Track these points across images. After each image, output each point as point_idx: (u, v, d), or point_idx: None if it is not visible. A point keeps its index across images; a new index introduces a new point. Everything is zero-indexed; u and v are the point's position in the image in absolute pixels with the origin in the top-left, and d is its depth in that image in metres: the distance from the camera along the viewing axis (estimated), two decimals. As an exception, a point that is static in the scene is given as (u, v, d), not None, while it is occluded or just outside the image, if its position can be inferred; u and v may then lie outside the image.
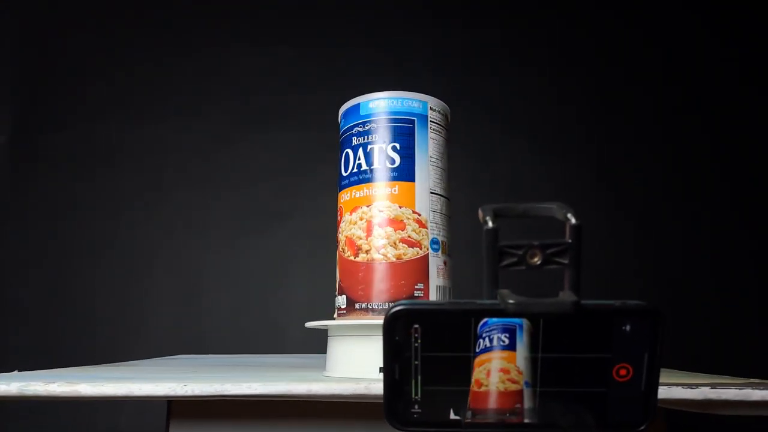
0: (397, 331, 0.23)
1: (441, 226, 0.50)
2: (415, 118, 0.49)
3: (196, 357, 0.84)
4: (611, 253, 0.98)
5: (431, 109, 0.50)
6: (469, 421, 0.24)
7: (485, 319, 0.23)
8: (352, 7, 1.12)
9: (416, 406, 0.24)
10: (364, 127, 0.50)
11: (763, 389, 0.32)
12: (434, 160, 0.49)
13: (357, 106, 0.52)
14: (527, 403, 0.23)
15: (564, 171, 1.07)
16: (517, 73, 1.11)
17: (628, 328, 0.23)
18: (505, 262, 0.23)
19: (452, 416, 0.24)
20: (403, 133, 0.49)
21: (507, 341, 0.23)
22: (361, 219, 0.49)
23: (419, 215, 0.48)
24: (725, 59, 1.07)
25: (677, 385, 0.33)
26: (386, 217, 0.48)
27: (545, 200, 0.25)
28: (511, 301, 0.22)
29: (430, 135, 0.49)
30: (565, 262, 0.23)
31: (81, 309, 1.03)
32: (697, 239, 0.98)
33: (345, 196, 0.52)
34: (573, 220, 0.23)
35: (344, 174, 0.52)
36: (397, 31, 1.13)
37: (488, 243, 0.23)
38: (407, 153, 0.48)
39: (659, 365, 0.23)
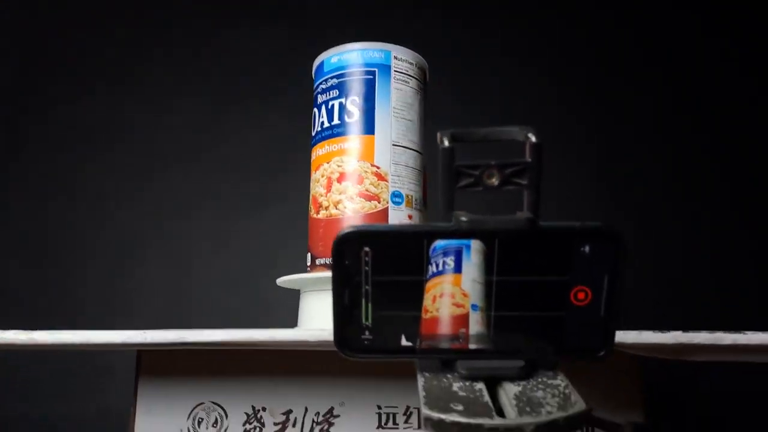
0: (347, 255, 0.22)
1: (407, 180, 0.48)
2: (377, 69, 0.47)
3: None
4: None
5: (396, 58, 0.48)
6: (420, 347, 0.23)
7: (436, 242, 0.22)
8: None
9: (367, 333, 0.23)
10: (326, 83, 0.49)
11: (734, 333, 0.31)
12: (399, 111, 0.47)
13: (321, 64, 0.50)
14: (474, 328, 0.22)
15: (564, 171, 1.05)
16: (516, 73, 1.10)
17: (587, 250, 0.22)
18: (461, 183, 0.22)
19: (404, 343, 0.23)
20: (364, 86, 0.47)
21: (453, 264, 0.22)
22: (322, 176, 0.48)
23: (378, 168, 0.47)
24: (726, 58, 1.06)
25: (648, 330, 0.32)
26: (344, 171, 0.47)
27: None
28: (464, 219, 0.21)
29: (395, 86, 0.47)
30: (524, 182, 0.22)
31: (64, 296, 1.01)
32: (698, 239, 0.97)
33: (313, 155, 0.50)
34: (533, 139, 0.22)
35: (313, 134, 0.51)
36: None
37: (444, 163, 0.22)
38: (367, 106, 0.47)
39: (620, 290, 0.22)
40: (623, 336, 0.32)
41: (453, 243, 0.22)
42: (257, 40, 1.08)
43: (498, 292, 0.22)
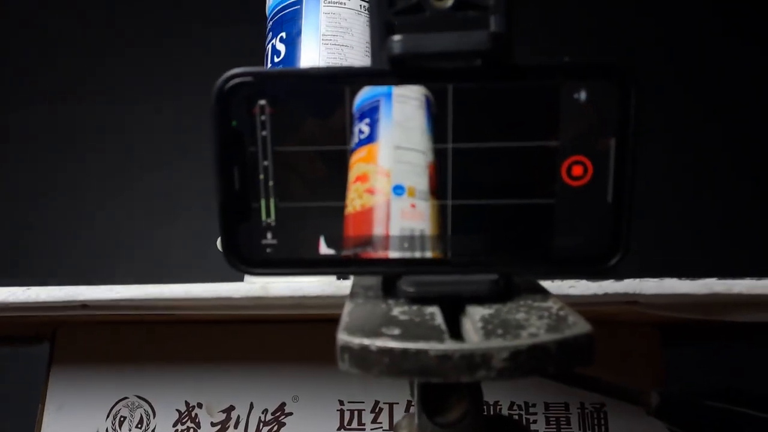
0: (234, 112, 0.15)
1: None
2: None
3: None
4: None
5: None
6: (345, 257, 0.16)
7: (361, 94, 0.15)
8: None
9: (269, 236, 0.16)
10: (267, 29, 0.43)
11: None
12: (329, 37, 0.41)
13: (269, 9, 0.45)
14: (399, 224, 0.15)
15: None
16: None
17: (582, 96, 0.15)
18: (399, 6, 0.15)
19: (324, 251, 0.16)
20: (289, 19, 0.41)
21: (368, 129, 0.15)
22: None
23: None
24: (727, 58, 1.01)
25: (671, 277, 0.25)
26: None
27: None
28: (396, 38, 0.14)
29: (324, 10, 0.41)
30: (491, 2, 0.15)
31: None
32: (698, 239, 0.90)
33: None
34: None
35: None
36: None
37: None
38: (292, 39, 0.41)
39: (633, 160, 0.15)
40: (639, 285, 0.24)
41: (372, 95, 0.15)
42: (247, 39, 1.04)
43: (455, 168, 0.15)
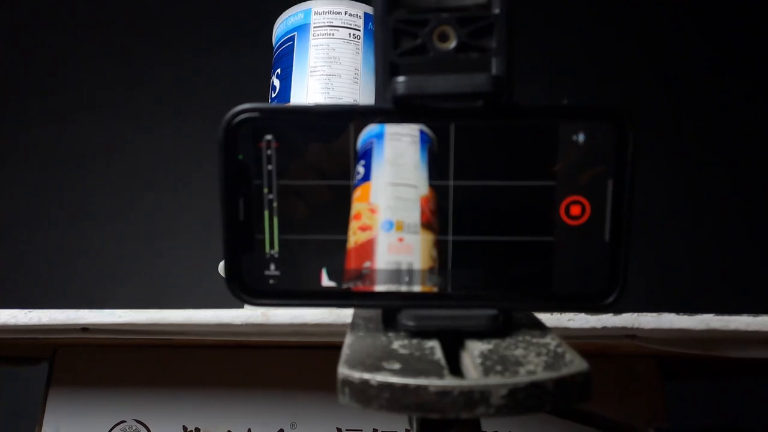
0: (241, 146, 0.16)
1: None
2: (296, 33, 0.41)
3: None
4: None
5: (316, 13, 0.42)
6: (346, 289, 0.16)
7: (365, 133, 0.16)
8: None
9: (272, 267, 0.16)
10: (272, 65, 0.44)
11: (784, 317, 0.24)
12: (317, 68, 0.40)
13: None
14: (386, 258, 0.16)
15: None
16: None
17: (580, 138, 0.15)
18: (402, 47, 0.16)
19: (326, 283, 0.16)
20: (284, 55, 0.42)
21: (363, 170, 0.15)
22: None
23: None
24: (729, 56, 1.02)
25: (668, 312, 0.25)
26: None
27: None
28: (400, 79, 0.15)
29: (313, 42, 0.41)
30: (492, 45, 0.15)
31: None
32: (698, 239, 0.90)
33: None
34: None
35: None
36: None
37: (379, 15, 0.15)
38: (285, 74, 0.41)
39: (631, 200, 0.15)
40: (637, 320, 0.24)
41: (367, 137, 0.15)
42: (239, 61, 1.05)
43: (456, 204, 0.16)
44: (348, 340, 0.16)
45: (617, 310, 0.24)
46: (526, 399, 0.13)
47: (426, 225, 0.15)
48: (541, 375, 0.14)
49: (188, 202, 1.02)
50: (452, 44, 0.15)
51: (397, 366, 0.14)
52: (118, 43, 1.07)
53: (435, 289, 0.16)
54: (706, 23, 1.07)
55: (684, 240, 0.89)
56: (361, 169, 0.15)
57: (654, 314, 0.24)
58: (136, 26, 1.07)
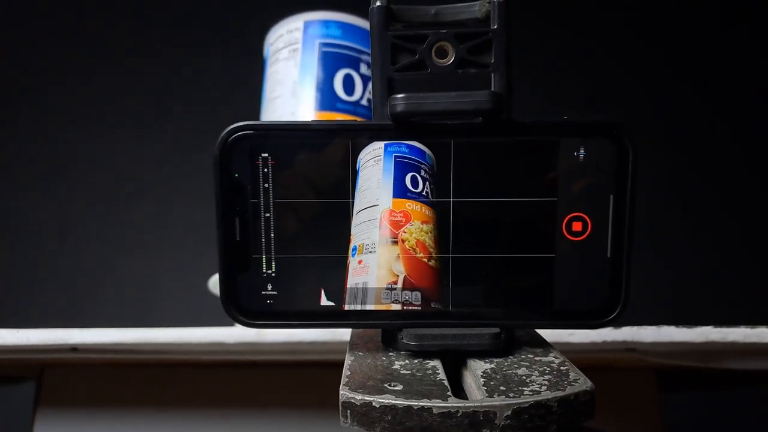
0: (236, 164, 0.15)
1: None
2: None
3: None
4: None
5: (270, 44, 0.41)
6: (346, 309, 0.16)
7: (367, 148, 0.15)
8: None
9: (270, 287, 0.16)
10: None
11: (781, 328, 0.24)
12: (269, 95, 0.39)
13: None
14: (353, 281, 0.16)
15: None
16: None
17: (581, 154, 0.15)
18: (400, 63, 0.15)
19: (324, 302, 0.16)
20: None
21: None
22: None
23: None
24: (729, 57, 1.03)
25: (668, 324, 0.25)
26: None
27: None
28: (399, 97, 0.14)
29: (269, 71, 0.40)
30: (490, 62, 0.15)
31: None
32: (698, 239, 0.91)
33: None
34: None
35: None
36: None
37: (376, 31, 0.15)
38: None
39: (632, 216, 0.15)
40: (637, 333, 0.24)
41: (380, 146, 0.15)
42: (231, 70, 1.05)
43: (456, 222, 0.15)
44: (348, 360, 0.16)
45: (618, 323, 0.24)
46: (530, 419, 0.13)
47: (386, 239, 0.15)
48: (546, 395, 0.13)
49: (178, 214, 1.01)
50: (451, 60, 0.15)
51: (399, 387, 0.14)
52: (104, 52, 1.06)
53: (437, 308, 0.16)
54: (706, 30, 1.08)
55: (681, 252, 0.89)
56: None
57: (654, 327, 0.24)
58: (123, 36, 1.06)
